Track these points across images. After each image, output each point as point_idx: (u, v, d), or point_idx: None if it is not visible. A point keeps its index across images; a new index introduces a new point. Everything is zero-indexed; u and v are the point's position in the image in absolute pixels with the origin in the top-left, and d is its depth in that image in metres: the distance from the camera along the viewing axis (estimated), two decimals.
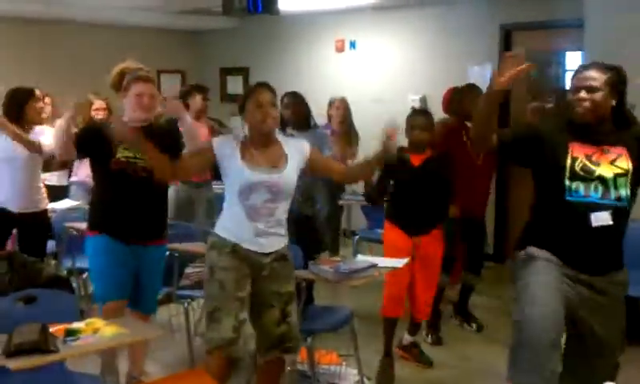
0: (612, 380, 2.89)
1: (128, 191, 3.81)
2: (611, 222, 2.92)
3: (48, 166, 5.52)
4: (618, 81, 2.97)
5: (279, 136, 3.64)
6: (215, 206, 5.57)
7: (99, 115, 6.13)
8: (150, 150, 3.47)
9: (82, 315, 3.51)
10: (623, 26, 5.36)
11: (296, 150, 3.55)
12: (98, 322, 3.02)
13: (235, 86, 9.75)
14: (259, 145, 3.46)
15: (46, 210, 5.14)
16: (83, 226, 4.49)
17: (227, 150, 3.44)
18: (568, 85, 3.12)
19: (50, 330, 2.84)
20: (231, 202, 3.45)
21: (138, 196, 3.82)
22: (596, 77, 2.94)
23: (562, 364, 2.97)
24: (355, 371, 4.43)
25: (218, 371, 3.36)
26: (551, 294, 2.93)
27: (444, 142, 4.96)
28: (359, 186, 6.05)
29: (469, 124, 5.31)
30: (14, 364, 2.64)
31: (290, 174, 3.47)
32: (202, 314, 4.02)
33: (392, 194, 4.61)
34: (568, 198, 2.95)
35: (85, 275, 5.21)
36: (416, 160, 4.50)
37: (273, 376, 3.65)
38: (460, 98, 5.39)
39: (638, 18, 5.30)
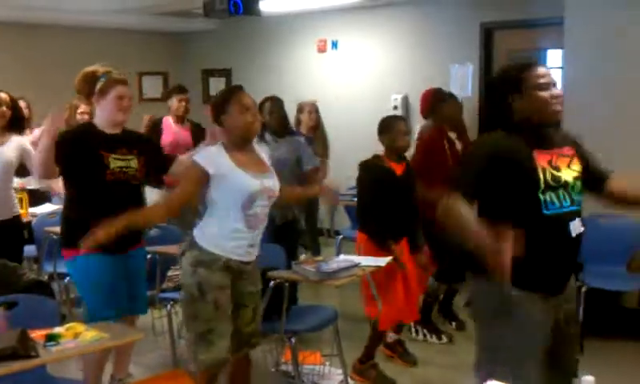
0: (576, 375, 2.83)
1: (122, 201, 3.62)
2: (583, 229, 2.77)
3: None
4: None
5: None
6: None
7: (85, 118, 6.06)
8: (141, 216, 3.47)
9: (63, 320, 3.49)
10: (602, 24, 5.40)
11: (264, 153, 3.56)
12: (78, 327, 3.00)
13: (217, 87, 9.70)
14: (242, 150, 3.40)
15: (19, 215, 5.06)
16: None
17: (218, 162, 3.30)
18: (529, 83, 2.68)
19: (31, 335, 2.82)
20: (227, 213, 3.30)
21: (130, 204, 3.64)
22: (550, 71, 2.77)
23: None
24: (339, 371, 4.44)
25: None
26: (540, 368, 2.74)
27: (425, 158, 4.99)
28: (342, 186, 6.06)
29: (451, 134, 5.36)
30: None
31: (275, 178, 3.47)
32: (185, 328, 3.66)
33: (372, 206, 4.47)
34: (545, 212, 2.69)
35: (67, 279, 5.16)
36: (398, 169, 4.47)
37: (245, 372, 3.65)
38: (440, 103, 5.40)
39: (616, 15, 5.34)
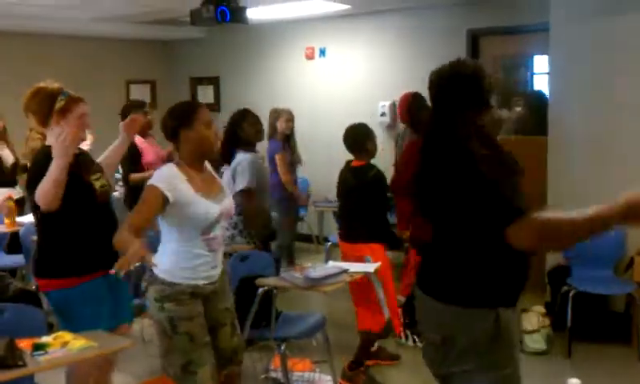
0: None
1: (109, 221, 3.54)
2: None
3: None
4: None
5: None
6: None
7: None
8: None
9: (50, 329, 3.46)
10: (587, 31, 5.44)
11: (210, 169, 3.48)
12: (66, 336, 2.99)
13: (206, 95, 9.73)
14: (199, 169, 3.29)
15: None
16: None
17: (178, 188, 3.15)
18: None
19: (18, 344, 2.80)
20: (187, 240, 3.20)
21: (114, 223, 3.55)
22: None
23: None
24: (329, 377, 4.44)
25: None
26: None
27: (405, 169, 5.01)
28: (332, 194, 6.07)
29: None
30: None
31: (230, 195, 3.46)
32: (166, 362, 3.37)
33: (381, 211, 4.54)
34: None
35: None
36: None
37: None
38: (417, 110, 5.42)
39: (602, 21, 5.38)
